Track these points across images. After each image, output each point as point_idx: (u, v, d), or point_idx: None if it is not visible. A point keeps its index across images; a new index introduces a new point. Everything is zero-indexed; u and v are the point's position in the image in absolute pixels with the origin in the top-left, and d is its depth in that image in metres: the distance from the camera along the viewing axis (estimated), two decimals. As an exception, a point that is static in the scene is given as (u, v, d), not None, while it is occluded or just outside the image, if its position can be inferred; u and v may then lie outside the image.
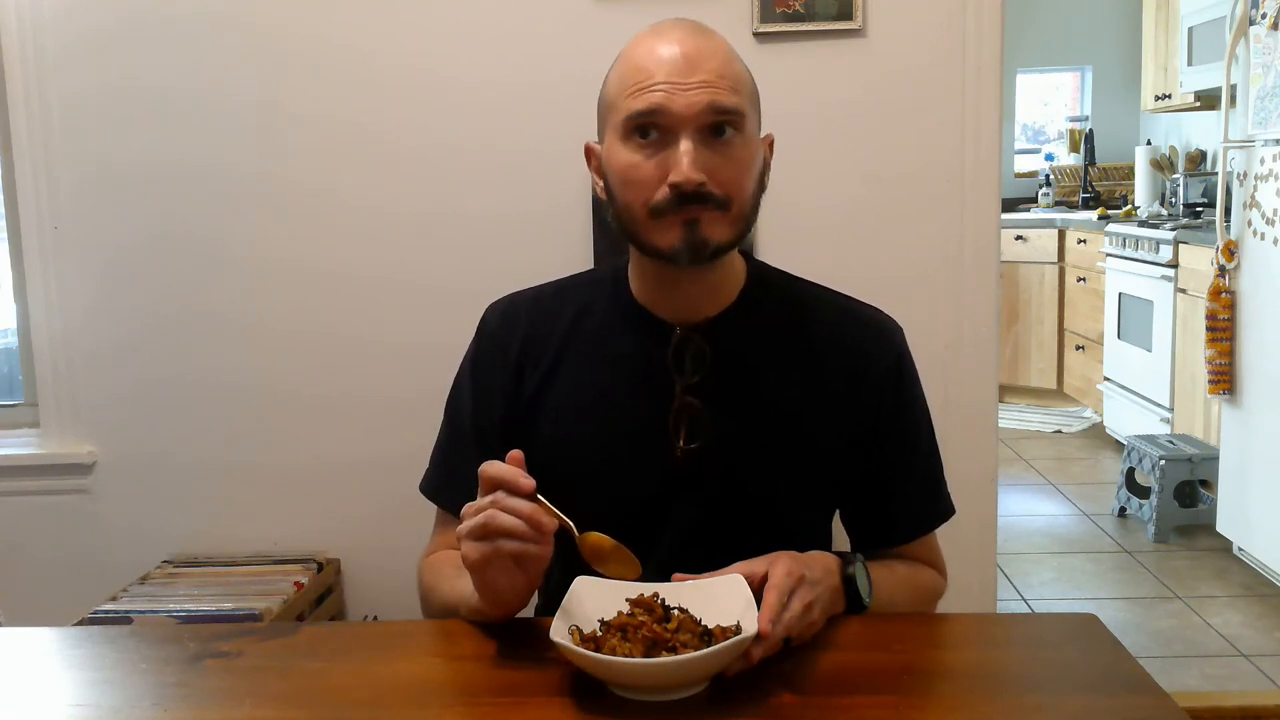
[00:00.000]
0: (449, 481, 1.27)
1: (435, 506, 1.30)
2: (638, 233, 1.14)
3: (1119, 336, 4.57)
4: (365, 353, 2.12)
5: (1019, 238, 5.23)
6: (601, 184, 1.18)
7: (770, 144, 1.20)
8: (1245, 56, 3.22)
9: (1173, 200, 4.84)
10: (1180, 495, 3.63)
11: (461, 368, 1.29)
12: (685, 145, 1.08)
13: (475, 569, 1.02)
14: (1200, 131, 5.12)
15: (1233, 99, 3.34)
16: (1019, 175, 6.02)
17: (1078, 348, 5.09)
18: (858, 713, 0.94)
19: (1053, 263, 5.21)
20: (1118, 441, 4.50)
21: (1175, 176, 4.92)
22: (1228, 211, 3.31)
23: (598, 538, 1.05)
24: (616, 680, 0.94)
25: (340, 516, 2.16)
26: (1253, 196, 3.15)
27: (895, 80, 2.01)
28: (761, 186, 1.17)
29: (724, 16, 1.91)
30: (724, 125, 1.10)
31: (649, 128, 1.10)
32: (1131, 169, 5.59)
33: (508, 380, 1.24)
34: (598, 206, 2.04)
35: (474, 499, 1.21)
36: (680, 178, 1.08)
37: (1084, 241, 4.99)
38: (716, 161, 1.10)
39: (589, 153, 1.21)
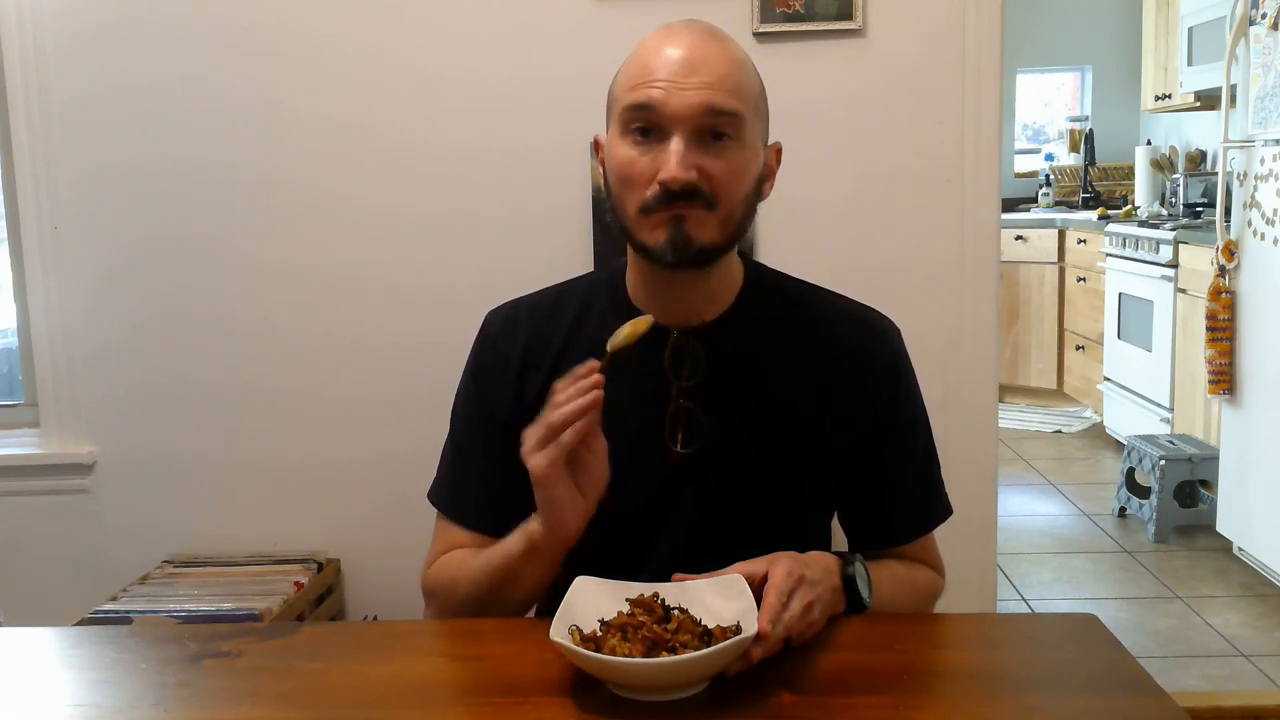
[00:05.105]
0: (457, 490, 1.27)
1: (435, 511, 1.29)
2: (630, 229, 1.14)
3: (1119, 336, 4.57)
4: (365, 353, 2.12)
5: (1019, 238, 5.23)
6: (604, 176, 1.19)
7: (778, 153, 1.21)
8: (1245, 56, 3.22)
9: (1173, 200, 4.84)
10: (1180, 495, 3.63)
11: (464, 375, 1.29)
12: (676, 144, 1.08)
13: (542, 480, 1.05)
14: (1200, 131, 5.12)
15: (1233, 99, 3.34)
16: (1019, 175, 6.02)
17: (1078, 348, 5.09)
18: (858, 713, 0.94)
19: (1053, 263, 5.21)
20: (1118, 441, 4.50)
21: (1175, 176, 4.91)
22: (1228, 211, 3.31)
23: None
24: (616, 680, 0.94)
25: (340, 516, 2.16)
26: (1253, 196, 3.15)
27: (895, 80, 2.01)
28: (758, 194, 1.17)
29: (724, 16, 1.91)
30: (720, 129, 1.10)
31: (646, 125, 1.10)
32: (1131, 169, 5.59)
33: (511, 385, 1.24)
34: (598, 207, 2.04)
35: (479, 506, 1.23)
36: (668, 175, 1.08)
37: (1084, 241, 4.98)
38: (709, 162, 1.10)
39: (596, 144, 1.21)
